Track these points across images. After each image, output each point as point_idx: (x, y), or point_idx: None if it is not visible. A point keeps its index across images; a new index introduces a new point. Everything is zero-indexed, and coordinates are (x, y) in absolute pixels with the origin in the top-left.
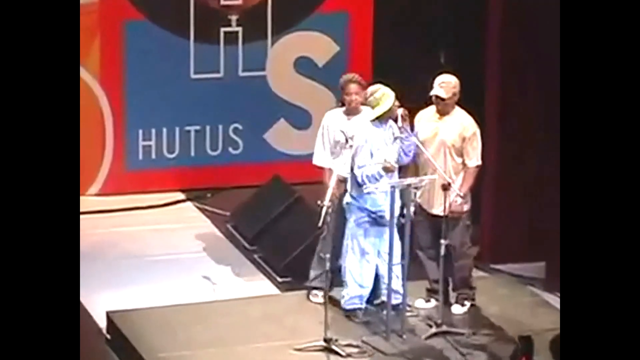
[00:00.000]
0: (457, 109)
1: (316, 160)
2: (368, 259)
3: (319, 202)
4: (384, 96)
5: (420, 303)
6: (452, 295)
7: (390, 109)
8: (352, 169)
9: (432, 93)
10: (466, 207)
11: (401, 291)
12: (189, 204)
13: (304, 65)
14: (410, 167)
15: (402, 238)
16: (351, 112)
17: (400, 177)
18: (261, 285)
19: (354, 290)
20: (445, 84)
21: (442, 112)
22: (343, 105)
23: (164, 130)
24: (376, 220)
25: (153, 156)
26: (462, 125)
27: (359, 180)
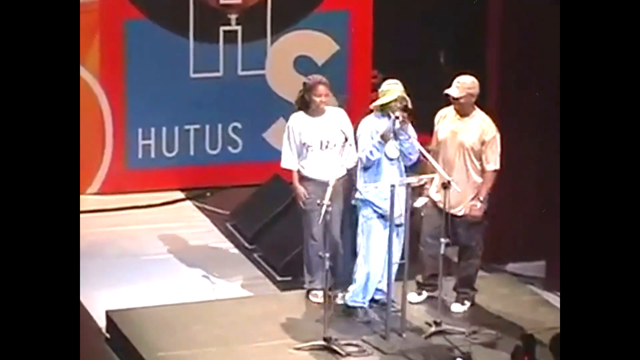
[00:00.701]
0: (478, 111)
1: (284, 163)
2: (378, 256)
3: (318, 201)
4: (388, 91)
5: (413, 297)
6: (452, 294)
7: (387, 104)
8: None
9: (445, 91)
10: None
11: (385, 289)
12: (188, 203)
13: (303, 64)
14: (428, 165)
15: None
16: (316, 113)
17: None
18: (260, 284)
19: (360, 287)
20: (460, 84)
21: (461, 113)
22: (306, 106)
23: (164, 129)
24: (383, 217)
25: (152, 155)
26: (481, 128)
27: (363, 160)
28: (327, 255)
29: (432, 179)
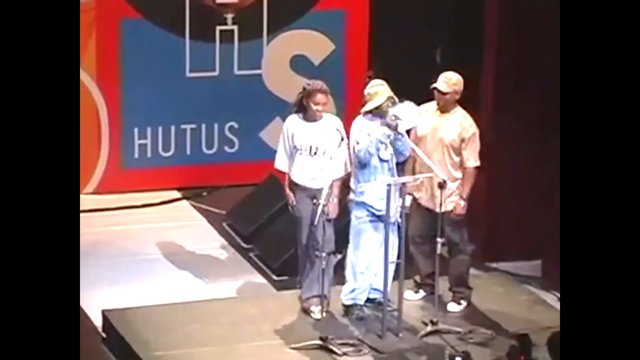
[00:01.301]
0: (458, 108)
1: (277, 164)
2: (369, 256)
3: (314, 200)
4: (376, 94)
5: (409, 295)
6: (449, 295)
7: (379, 107)
8: (354, 164)
9: (433, 85)
10: None
11: (381, 288)
12: (184, 202)
13: (299, 64)
14: (409, 161)
15: (398, 237)
16: (311, 118)
17: (398, 175)
18: (257, 283)
19: (353, 286)
20: (447, 79)
21: (443, 109)
22: (303, 110)
23: (160, 128)
24: (377, 217)
25: (149, 155)
26: (461, 125)
27: (362, 155)
28: (324, 254)
29: (435, 178)
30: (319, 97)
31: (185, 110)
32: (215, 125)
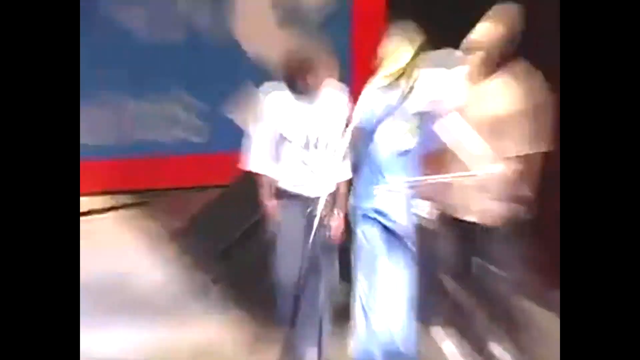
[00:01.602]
0: None
1: (252, 164)
2: (386, 289)
3: (308, 210)
4: (396, 51)
5: (447, 346)
6: None
7: (403, 69)
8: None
9: None
10: None
11: (403, 335)
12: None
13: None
14: None
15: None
16: (305, 94)
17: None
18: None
19: (365, 333)
20: None
21: None
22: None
23: None
24: (393, 232)
25: None
26: None
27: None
28: (322, 293)
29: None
30: (315, 67)
31: None
32: None
